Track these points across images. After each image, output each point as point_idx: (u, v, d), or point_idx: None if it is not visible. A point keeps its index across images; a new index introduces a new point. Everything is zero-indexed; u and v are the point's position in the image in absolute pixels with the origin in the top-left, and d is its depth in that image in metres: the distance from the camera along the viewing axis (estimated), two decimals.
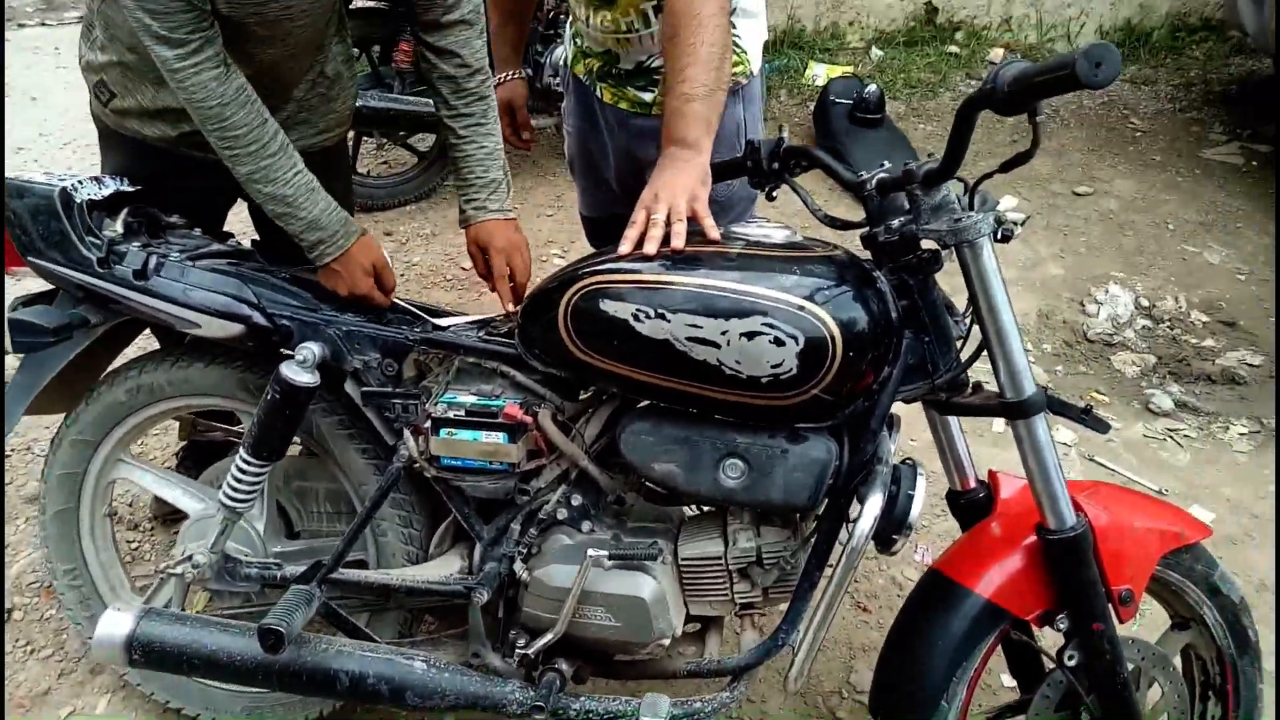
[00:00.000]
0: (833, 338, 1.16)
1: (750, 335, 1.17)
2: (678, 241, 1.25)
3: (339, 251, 1.37)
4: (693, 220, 1.31)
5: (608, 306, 1.22)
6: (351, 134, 2.97)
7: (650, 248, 1.25)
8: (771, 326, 1.16)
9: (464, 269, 3.06)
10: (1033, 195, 3.57)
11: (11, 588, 1.88)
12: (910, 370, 1.28)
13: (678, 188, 1.31)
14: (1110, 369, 2.78)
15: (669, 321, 1.19)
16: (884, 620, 1.92)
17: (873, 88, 3.57)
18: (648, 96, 1.70)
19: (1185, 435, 2.51)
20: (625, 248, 1.27)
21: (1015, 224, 1.46)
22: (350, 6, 2.94)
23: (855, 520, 1.25)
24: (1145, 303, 3.01)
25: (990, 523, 1.39)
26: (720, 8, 1.41)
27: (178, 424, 1.84)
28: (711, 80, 1.38)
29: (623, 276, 1.24)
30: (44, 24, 5.11)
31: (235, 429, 1.81)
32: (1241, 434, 2.51)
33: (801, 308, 1.17)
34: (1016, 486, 1.40)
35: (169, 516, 2.00)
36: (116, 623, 1.36)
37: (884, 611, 1.95)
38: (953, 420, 1.41)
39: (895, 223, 1.27)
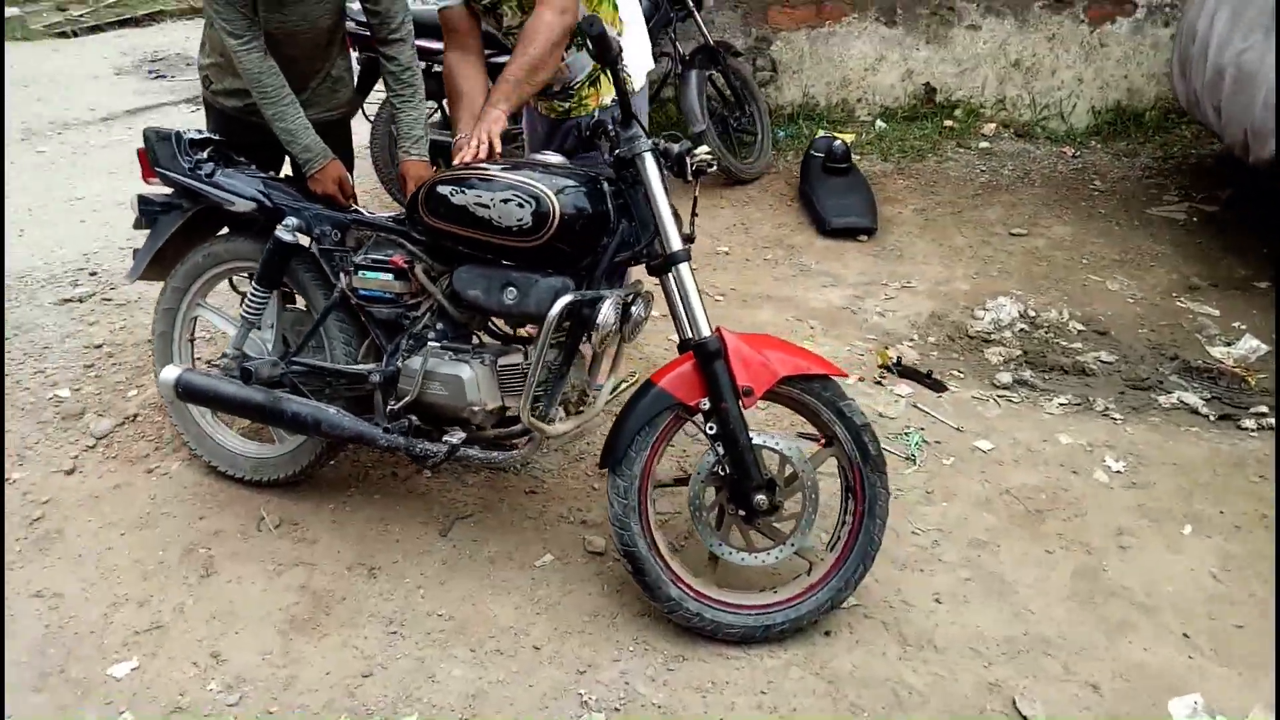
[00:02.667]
0: (552, 205, 2.01)
1: (506, 201, 2.04)
2: (482, 153, 2.15)
3: (318, 166, 2.36)
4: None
5: (440, 190, 2.13)
6: None
7: (468, 158, 2.15)
8: (517, 196, 2.03)
9: None
10: (972, 234, 4.21)
11: (138, 406, 2.94)
12: (624, 244, 2.11)
13: (483, 129, 2.21)
14: (980, 358, 3.36)
15: (466, 195, 2.08)
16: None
17: (838, 142, 4.36)
18: (566, 104, 2.61)
19: (1009, 401, 3.08)
20: (456, 160, 2.19)
21: (708, 163, 2.22)
22: None
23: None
24: (1032, 313, 3.58)
25: (690, 353, 2.14)
26: (548, 36, 2.28)
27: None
28: (521, 75, 2.26)
29: (450, 175, 2.14)
30: None
31: None
32: (1061, 404, 3.05)
33: (534, 187, 2.03)
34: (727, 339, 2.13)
35: None
36: (170, 373, 2.35)
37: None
38: (674, 290, 2.18)
39: (614, 153, 2.11)
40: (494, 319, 2.34)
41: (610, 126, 2.14)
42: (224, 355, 2.47)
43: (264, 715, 1.95)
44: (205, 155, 2.44)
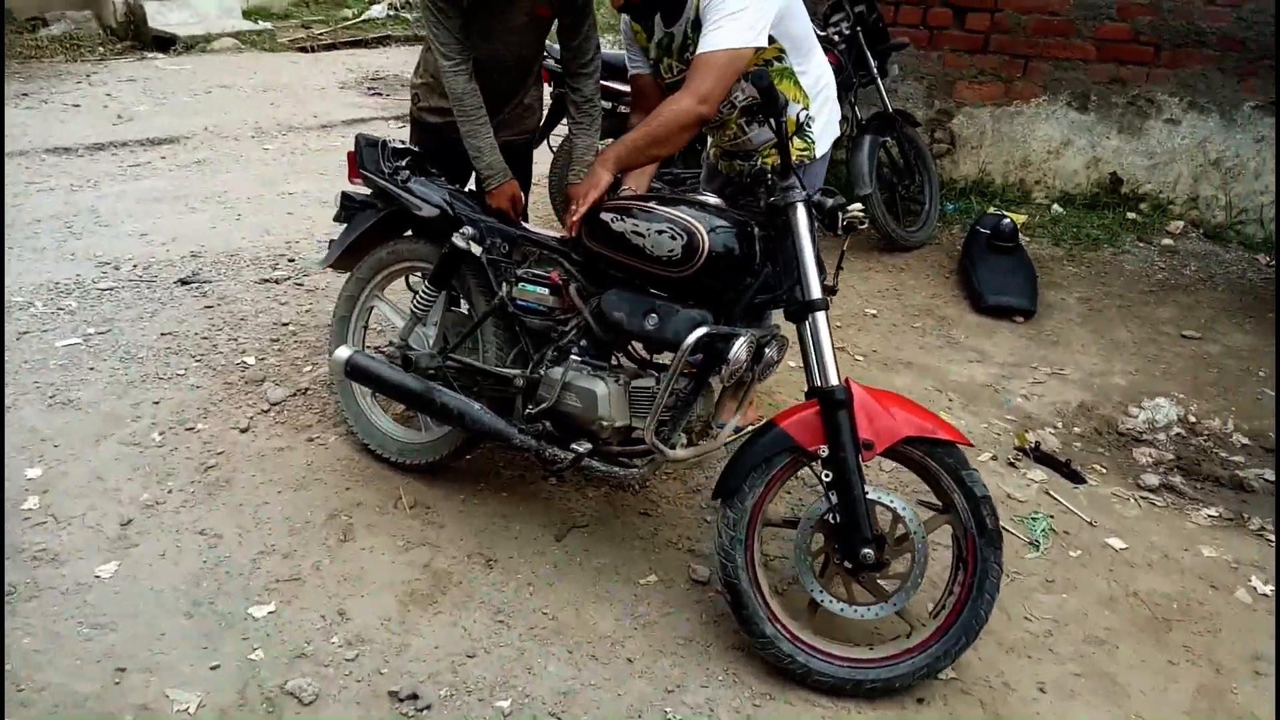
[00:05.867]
0: (702, 241, 2.13)
1: (660, 232, 2.17)
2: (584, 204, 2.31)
3: (497, 184, 2.58)
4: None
5: (603, 216, 2.29)
6: None
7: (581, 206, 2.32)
8: (672, 228, 2.16)
9: None
10: (1139, 330, 4.03)
11: (309, 380, 3.24)
12: (766, 286, 2.20)
13: (583, 190, 2.35)
14: (1127, 457, 3.21)
15: (624, 223, 2.23)
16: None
17: (1007, 221, 4.29)
18: (743, 165, 2.71)
19: (1151, 504, 2.92)
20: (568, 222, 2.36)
21: (859, 220, 2.28)
22: None
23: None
24: (1192, 419, 3.39)
25: (816, 399, 2.19)
26: (673, 118, 2.29)
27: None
28: (640, 145, 2.34)
29: (614, 204, 2.30)
30: None
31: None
32: (1210, 516, 2.87)
33: (689, 223, 2.15)
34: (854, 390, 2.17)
35: None
36: (343, 352, 2.60)
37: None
38: (809, 338, 2.24)
39: (769, 200, 2.21)
40: (633, 343, 2.47)
41: (769, 176, 2.25)
42: (390, 344, 2.72)
43: (375, 674, 2.11)
44: (403, 164, 2.71)
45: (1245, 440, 3.29)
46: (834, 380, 2.08)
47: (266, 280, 4.06)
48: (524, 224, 2.64)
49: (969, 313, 4.13)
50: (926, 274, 4.51)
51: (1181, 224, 4.92)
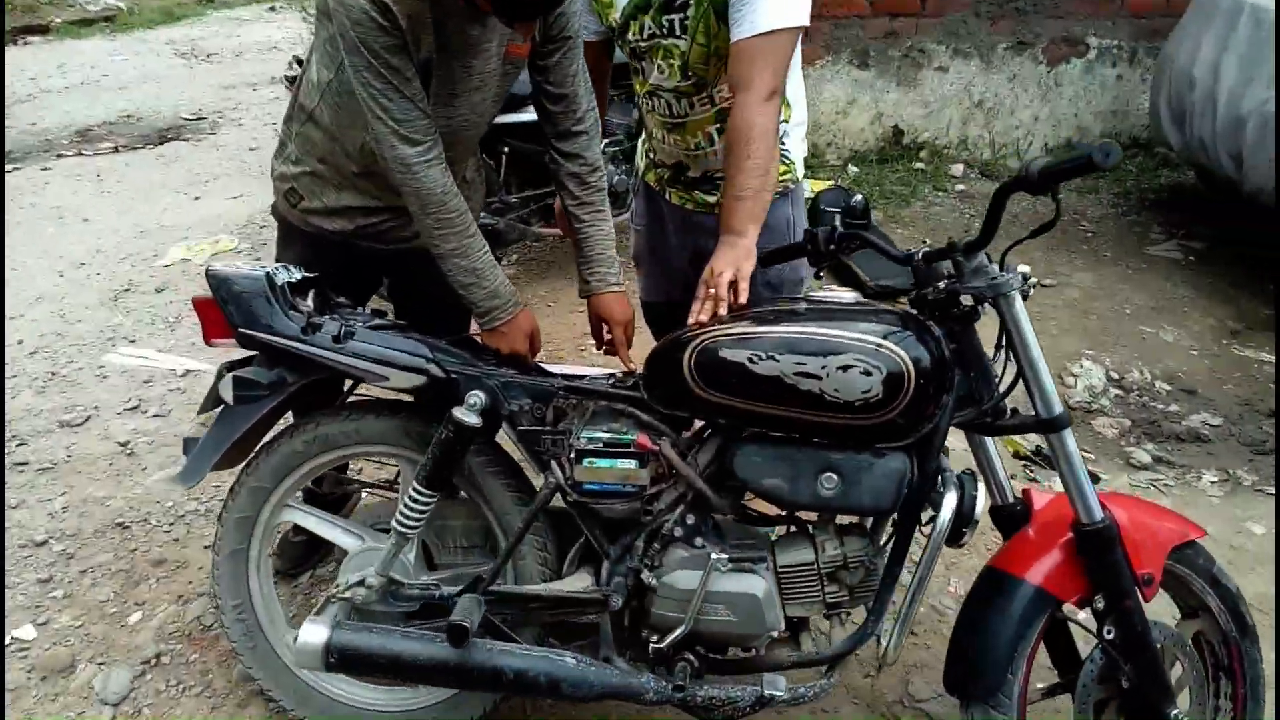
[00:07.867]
0: (907, 369, 1.50)
1: (845, 369, 1.50)
2: (742, 299, 1.61)
3: (508, 317, 1.69)
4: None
5: (726, 354, 1.54)
6: None
7: (721, 310, 1.61)
8: (860, 361, 1.50)
9: None
10: None
11: (155, 638, 2.07)
12: (961, 400, 1.62)
13: (727, 263, 1.67)
14: (1092, 432, 3.14)
15: (779, 361, 1.52)
16: (931, 642, 2.20)
17: (858, 197, 4.00)
18: (711, 199, 2.07)
19: (1165, 484, 2.86)
20: (695, 309, 1.63)
21: (1032, 285, 1.86)
22: None
23: (932, 519, 1.56)
24: (1115, 375, 3.42)
25: (1029, 529, 1.70)
26: (765, 130, 1.74)
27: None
28: (756, 185, 1.73)
29: (737, 331, 1.57)
30: (81, 154, 5.46)
31: (360, 481, 2.07)
32: (1212, 482, 2.87)
33: (878, 347, 1.51)
34: (1046, 499, 1.72)
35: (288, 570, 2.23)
36: (314, 632, 1.59)
37: (930, 635, 2.22)
38: (990, 447, 1.73)
39: (941, 284, 1.62)
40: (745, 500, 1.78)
41: (914, 255, 1.68)
42: (359, 583, 1.73)
43: None
44: (310, 303, 1.70)
45: (1166, 386, 3.37)
46: (1097, 514, 1.59)
47: None
48: (548, 368, 1.78)
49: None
50: None
51: (960, 166, 5.06)
